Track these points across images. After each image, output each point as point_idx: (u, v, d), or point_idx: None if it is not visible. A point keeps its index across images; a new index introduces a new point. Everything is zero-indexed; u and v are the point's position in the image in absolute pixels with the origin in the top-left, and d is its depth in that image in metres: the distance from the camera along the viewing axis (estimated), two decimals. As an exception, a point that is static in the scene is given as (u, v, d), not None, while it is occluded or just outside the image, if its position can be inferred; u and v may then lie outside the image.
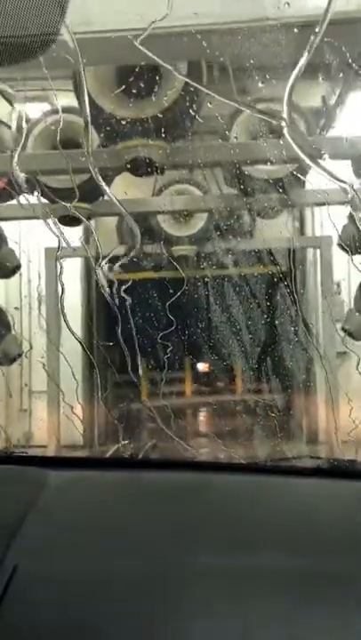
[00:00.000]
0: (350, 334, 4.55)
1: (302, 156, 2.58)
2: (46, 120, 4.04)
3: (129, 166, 3.77)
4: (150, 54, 1.70)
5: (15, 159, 2.98)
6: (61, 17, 1.43)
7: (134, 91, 3.56)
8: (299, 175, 4.19)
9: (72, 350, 3.59)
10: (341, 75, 3.49)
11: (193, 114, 3.70)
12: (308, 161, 2.68)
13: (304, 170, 4.15)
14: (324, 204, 4.04)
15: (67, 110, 3.73)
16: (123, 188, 4.20)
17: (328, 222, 5.49)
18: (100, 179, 2.66)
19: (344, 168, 3.90)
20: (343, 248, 4.16)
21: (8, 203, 4.41)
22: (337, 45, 2.17)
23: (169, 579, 0.79)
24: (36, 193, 3.78)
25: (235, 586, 0.77)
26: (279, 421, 4.61)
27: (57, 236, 2.48)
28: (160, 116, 3.63)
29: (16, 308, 5.63)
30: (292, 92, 1.81)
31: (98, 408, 5.18)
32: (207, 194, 5.41)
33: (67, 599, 0.77)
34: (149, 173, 3.96)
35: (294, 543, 0.85)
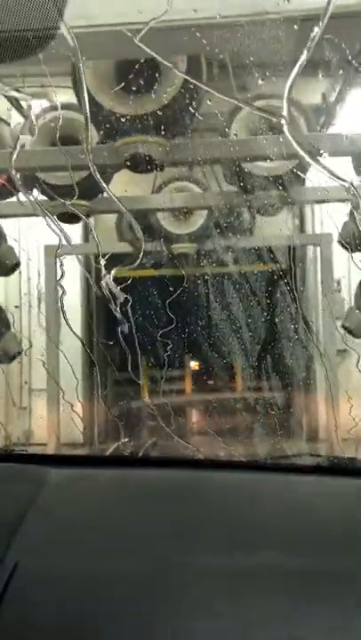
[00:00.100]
0: (350, 332, 4.55)
1: (302, 153, 2.57)
2: (45, 117, 4.02)
3: (128, 163, 3.76)
4: (150, 51, 1.69)
5: (14, 157, 2.97)
6: (60, 11, 1.42)
7: (134, 88, 3.55)
8: (299, 172, 4.18)
9: (72, 348, 3.59)
10: (341, 72, 3.48)
11: (193, 111, 3.68)
12: (307, 158, 2.67)
13: (304, 167, 4.14)
14: (324, 201, 4.04)
15: (66, 107, 3.72)
16: (122, 186, 4.19)
17: (328, 220, 5.50)
18: (99, 176, 2.65)
19: (345, 165, 3.90)
20: (343, 245, 4.16)
21: (7, 200, 4.40)
22: (337, 42, 2.16)
23: (169, 577, 0.79)
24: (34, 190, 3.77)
25: (235, 585, 0.77)
26: (279, 419, 4.61)
27: (57, 233, 2.47)
28: (159, 113, 3.61)
29: (16, 307, 5.63)
30: (291, 89, 1.80)
31: (98, 406, 5.18)
32: (207, 191, 5.40)
33: (67, 596, 0.78)
34: (149, 170, 3.95)
35: (294, 542, 0.85)
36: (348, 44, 2.43)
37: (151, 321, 3.62)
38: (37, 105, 4.20)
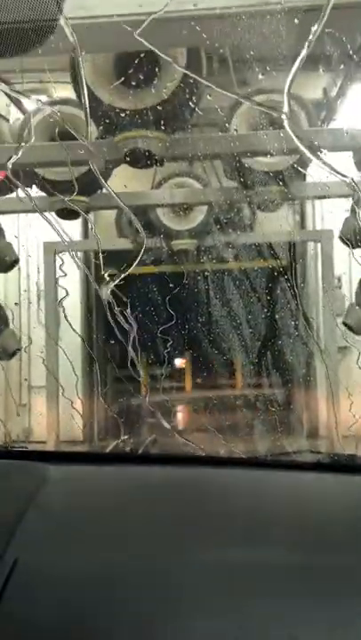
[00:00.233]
0: (351, 328, 4.54)
1: (302, 148, 2.56)
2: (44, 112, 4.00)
3: (128, 158, 3.74)
4: (149, 45, 1.68)
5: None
6: (60, 4, 1.41)
7: (133, 82, 3.53)
8: (299, 168, 4.16)
9: (71, 344, 3.58)
10: (342, 66, 3.46)
11: (193, 106, 3.67)
12: (308, 154, 2.66)
13: (305, 162, 4.13)
14: (325, 197, 4.03)
15: (64, 102, 3.71)
16: (122, 181, 4.18)
17: (329, 216, 5.48)
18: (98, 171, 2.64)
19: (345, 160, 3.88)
20: (344, 242, 4.15)
21: (6, 196, 4.39)
22: (338, 36, 2.14)
23: (169, 574, 0.79)
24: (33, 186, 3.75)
25: (235, 583, 0.77)
26: (279, 416, 4.61)
27: (56, 230, 2.45)
28: (159, 107, 3.59)
29: (16, 304, 5.62)
30: (292, 84, 1.78)
31: (97, 403, 5.18)
32: (207, 187, 5.38)
33: (66, 592, 0.78)
34: (149, 166, 3.93)
35: (295, 538, 0.85)
36: (348, 39, 2.41)
37: (151, 317, 3.61)
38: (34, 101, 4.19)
